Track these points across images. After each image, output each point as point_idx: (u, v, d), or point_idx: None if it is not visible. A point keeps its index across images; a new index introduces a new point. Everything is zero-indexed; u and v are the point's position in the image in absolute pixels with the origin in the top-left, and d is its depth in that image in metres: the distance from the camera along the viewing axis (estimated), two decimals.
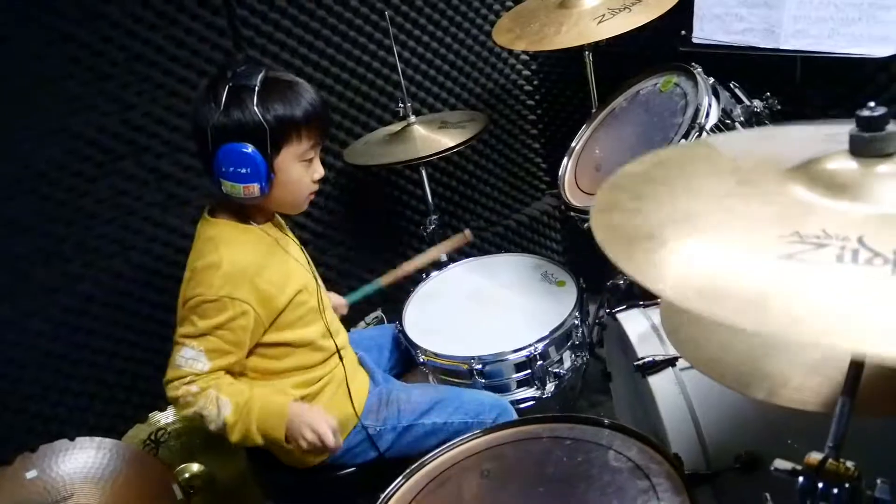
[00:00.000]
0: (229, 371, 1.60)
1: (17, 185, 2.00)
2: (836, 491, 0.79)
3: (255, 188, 1.52)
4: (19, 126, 1.97)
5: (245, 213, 1.64)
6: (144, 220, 2.22)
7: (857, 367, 0.82)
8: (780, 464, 0.82)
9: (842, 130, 0.85)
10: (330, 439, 1.53)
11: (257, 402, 1.56)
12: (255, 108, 1.49)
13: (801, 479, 0.80)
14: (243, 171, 1.49)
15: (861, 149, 0.80)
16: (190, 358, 1.53)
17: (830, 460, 0.80)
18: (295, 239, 1.81)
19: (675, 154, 1.03)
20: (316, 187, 1.66)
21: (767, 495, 0.96)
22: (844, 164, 0.81)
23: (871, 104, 0.80)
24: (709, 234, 0.78)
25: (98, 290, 2.19)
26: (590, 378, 2.27)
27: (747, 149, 1.02)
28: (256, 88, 1.49)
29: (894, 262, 0.67)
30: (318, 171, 1.65)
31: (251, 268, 1.57)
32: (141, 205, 2.21)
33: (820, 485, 0.79)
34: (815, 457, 0.81)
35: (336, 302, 2.01)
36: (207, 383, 1.54)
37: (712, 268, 0.73)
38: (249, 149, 1.49)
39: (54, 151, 2.04)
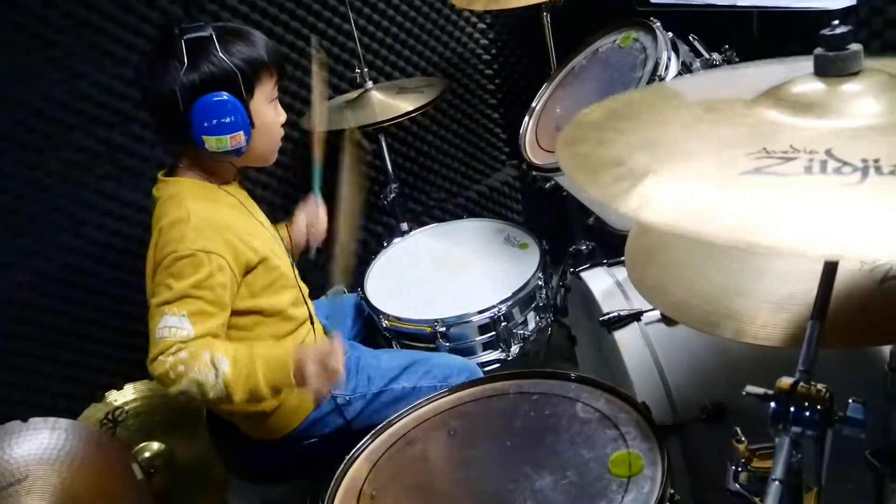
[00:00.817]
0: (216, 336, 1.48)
1: None
2: (808, 414, 0.78)
3: (241, 136, 1.47)
4: None
5: (211, 171, 1.59)
6: (97, 194, 2.16)
7: (826, 287, 0.81)
8: (752, 389, 0.82)
9: (803, 63, 0.85)
10: (335, 364, 1.43)
11: (260, 355, 1.44)
12: (222, 56, 1.44)
13: (772, 404, 0.80)
14: (227, 119, 1.45)
15: (826, 68, 0.80)
16: (172, 326, 1.39)
17: (802, 383, 0.79)
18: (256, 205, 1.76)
19: (640, 94, 1.02)
20: (282, 134, 1.63)
21: (738, 429, 0.95)
22: (810, 86, 0.81)
23: (835, 22, 0.79)
24: (676, 158, 0.77)
25: (50, 266, 2.13)
26: (554, 346, 2.27)
27: (712, 85, 1.02)
28: (214, 36, 1.45)
29: (862, 169, 0.66)
30: (283, 113, 1.63)
31: (220, 221, 1.51)
32: (92, 177, 2.14)
33: (792, 409, 0.78)
34: (786, 381, 0.80)
35: (311, 214, 1.92)
36: (197, 346, 1.40)
37: (681, 188, 0.72)
38: (227, 96, 1.44)
39: (0, 122, 1.96)
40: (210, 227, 1.49)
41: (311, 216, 1.91)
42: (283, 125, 1.64)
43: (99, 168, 2.15)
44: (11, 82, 1.96)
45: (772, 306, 1.08)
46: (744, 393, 0.81)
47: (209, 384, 1.38)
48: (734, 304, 1.11)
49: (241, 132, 1.47)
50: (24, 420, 1.87)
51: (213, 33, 1.45)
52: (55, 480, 1.84)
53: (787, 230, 0.63)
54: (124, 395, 2.18)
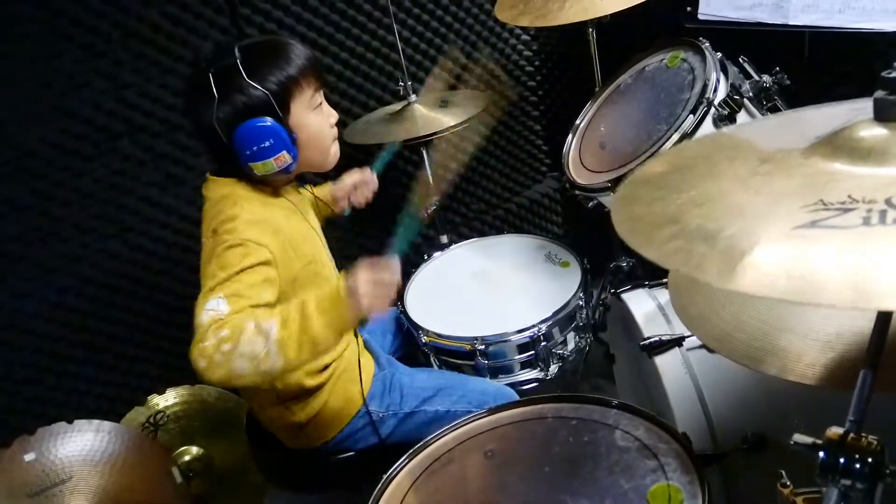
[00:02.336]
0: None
1: (9, 165, 1.97)
2: (857, 466, 0.76)
3: (285, 156, 1.48)
4: (9, 106, 1.94)
5: (263, 181, 1.58)
6: (142, 201, 2.19)
7: (880, 337, 0.79)
8: (800, 438, 0.80)
9: (860, 106, 0.83)
10: (386, 275, 1.36)
11: (308, 301, 1.34)
12: (250, 81, 1.44)
13: (821, 453, 0.78)
14: (266, 144, 1.45)
15: (887, 112, 0.78)
16: (211, 309, 1.32)
17: (852, 434, 0.77)
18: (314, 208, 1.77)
19: (696, 145, 1.00)
20: (336, 132, 1.62)
21: (783, 472, 0.93)
22: (870, 131, 0.79)
23: None
24: (729, 214, 0.75)
25: (95, 272, 2.16)
26: (592, 361, 2.25)
27: (768, 132, 0.99)
28: (240, 62, 1.44)
29: None
30: (332, 113, 1.61)
31: (272, 222, 1.51)
32: (138, 185, 2.17)
33: (842, 459, 0.76)
34: (836, 431, 0.78)
35: (356, 177, 1.97)
36: (239, 317, 1.30)
37: (735, 243, 0.71)
38: (268, 121, 1.45)
39: (49, 131, 2.00)
40: (263, 222, 1.49)
41: (361, 181, 1.97)
42: (335, 125, 1.62)
43: (144, 176, 2.18)
44: (61, 92, 2.00)
45: (819, 344, 1.06)
46: (791, 442, 0.80)
47: (260, 353, 1.27)
48: (779, 339, 1.09)
49: (284, 151, 1.48)
50: (70, 422, 1.92)
51: (239, 58, 1.44)
52: (98, 481, 1.89)
53: (843, 284, 0.62)
54: (166, 400, 2.22)
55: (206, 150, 1.57)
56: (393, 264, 1.38)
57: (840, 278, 0.62)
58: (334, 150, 1.63)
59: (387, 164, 2.05)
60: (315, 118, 1.57)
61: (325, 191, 1.97)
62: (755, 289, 0.63)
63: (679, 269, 0.68)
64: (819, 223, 0.67)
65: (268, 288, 1.42)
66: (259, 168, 1.48)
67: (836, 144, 0.78)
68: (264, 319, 1.30)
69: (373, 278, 1.35)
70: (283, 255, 1.50)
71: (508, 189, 3.00)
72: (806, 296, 0.61)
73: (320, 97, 1.58)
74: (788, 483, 0.94)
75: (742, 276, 0.65)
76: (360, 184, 1.98)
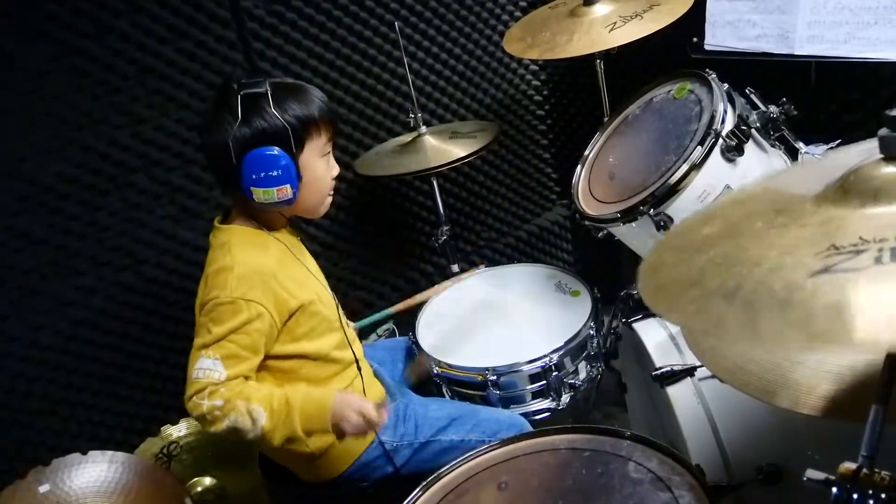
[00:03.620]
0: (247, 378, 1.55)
1: (26, 199, 2.00)
2: (871, 502, 0.77)
3: (287, 189, 1.52)
4: (28, 140, 1.97)
5: (262, 219, 1.64)
6: (156, 234, 2.21)
7: (890, 373, 0.80)
8: (813, 474, 0.80)
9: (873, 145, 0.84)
10: (374, 414, 1.52)
11: (296, 402, 1.52)
12: (274, 111, 1.50)
13: (834, 489, 0.78)
14: (274, 173, 1.50)
15: (892, 149, 0.79)
16: (206, 368, 1.47)
17: (865, 470, 0.78)
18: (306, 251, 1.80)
19: (715, 208, 1.02)
20: (333, 185, 1.68)
21: None
22: (877, 170, 0.80)
23: None
24: (748, 268, 0.77)
25: (110, 304, 2.18)
26: (603, 389, 2.25)
27: (784, 182, 1.01)
28: (269, 92, 1.50)
29: None
30: (335, 167, 1.68)
31: (265, 269, 1.56)
32: (153, 218, 2.20)
33: (855, 496, 0.77)
34: (848, 466, 0.79)
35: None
36: (231, 392, 1.47)
37: (753, 297, 0.72)
38: (276, 151, 1.50)
39: (66, 165, 2.03)
40: (254, 275, 1.54)
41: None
42: (335, 178, 1.69)
43: (159, 209, 2.20)
44: (78, 127, 2.03)
45: (832, 376, 1.07)
46: (805, 479, 0.80)
47: (247, 430, 1.46)
48: (792, 372, 1.10)
49: (288, 185, 1.52)
50: (84, 453, 1.92)
51: (269, 90, 1.51)
52: None
53: (859, 325, 0.63)
54: (179, 430, 2.21)
55: (212, 168, 1.64)
56: (387, 409, 1.55)
57: (860, 319, 0.63)
58: (328, 201, 1.70)
59: (373, 324, 2.20)
60: (322, 165, 1.63)
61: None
62: (775, 342, 0.64)
63: (703, 330, 0.70)
64: (832, 268, 0.68)
65: (260, 342, 1.55)
66: (259, 195, 1.51)
67: (846, 188, 0.79)
68: (255, 405, 1.47)
69: (363, 411, 1.52)
70: (275, 300, 1.56)
71: (518, 217, 3.01)
72: (826, 344, 0.62)
73: (330, 148, 1.65)
74: None
75: (763, 330, 0.66)
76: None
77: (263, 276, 1.55)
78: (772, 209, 0.85)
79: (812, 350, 0.61)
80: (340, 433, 1.54)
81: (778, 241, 0.78)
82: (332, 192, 1.70)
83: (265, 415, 1.47)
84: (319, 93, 1.62)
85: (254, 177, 1.49)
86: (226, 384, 1.47)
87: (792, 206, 0.83)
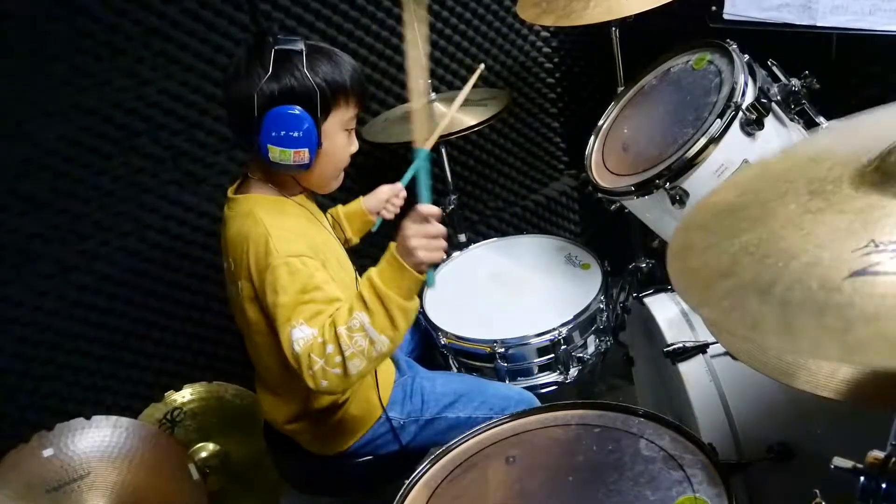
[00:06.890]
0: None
1: (29, 162, 1.97)
2: None
3: (305, 153, 1.47)
4: (30, 103, 1.94)
5: (278, 184, 1.60)
6: (161, 199, 2.19)
7: None
8: (840, 462, 0.79)
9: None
10: (437, 230, 1.44)
11: (375, 281, 1.40)
12: (306, 72, 1.45)
13: (862, 478, 0.76)
14: (295, 134, 1.45)
15: None
16: (298, 338, 1.38)
17: (894, 458, 0.76)
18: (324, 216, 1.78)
19: (744, 177, 0.98)
20: (348, 162, 1.63)
21: (817, 491, 0.92)
22: None
23: None
24: (783, 261, 0.74)
25: (114, 269, 2.17)
26: (608, 361, 2.23)
27: (818, 151, 0.96)
28: (304, 52, 1.46)
29: None
30: (355, 143, 1.63)
31: (296, 227, 1.54)
32: (157, 182, 2.17)
33: (883, 485, 0.75)
34: (876, 455, 0.77)
35: (387, 192, 1.98)
36: (331, 332, 1.37)
37: (790, 297, 0.69)
38: (300, 111, 1.45)
39: (69, 129, 2.00)
40: (289, 233, 1.50)
41: (392, 194, 1.97)
42: (353, 155, 1.63)
43: (164, 173, 2.18)
44: (81, 90, 2.00)
45: None
46: (832, 466, 0.78)
47: (366, 346, 1.37)
48: None
49: (307, 150, 1.47)
50: (88, 418, 1.92)
51: (304, 49, 1.46)
52: (115, 477, 1.90)
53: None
54: (182, 396, 2.22)
55: (230, 118, 1.58)
56: (430, 210, 1.43)
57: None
58: (340, 177, 1.65)
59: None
60: (343, 138, 1.58)
61: (356, 206, 1.99)
62: (812, 352, 0.61)
63: (740, 332, 0.66)
64: (869, 270, 0.65)
65: (329, 285, 1.47)
66: (275, 153, 1.46)
67: (885, 170, 0.75)
68: (350, 317, 1.38)
69: (420, 231, 1.41)
70: (314, 252, 1.51)
71: (526, 186, 2.98)
72: (862, 359, 0.59)
73: (354, 124, 1.60)
74: (822, 502, 0.92)
75: (800, 336, 0.63)
76: (392, 198, 1.97)
77: (296, 232, 1.52)
78: (806, 189, 0.81)
79: (848, 363, 0.57)
80: (421, 265, 1.42)
81: (813, 230, 0.74)
82: (345, 170, 1.65)
83: (363, 314, 1.38)
84: (356, 63, 1.56)
85: (273, 134, 1.45)
86: (321, 333, 1.39)
87: (826, 186, 0.80)
